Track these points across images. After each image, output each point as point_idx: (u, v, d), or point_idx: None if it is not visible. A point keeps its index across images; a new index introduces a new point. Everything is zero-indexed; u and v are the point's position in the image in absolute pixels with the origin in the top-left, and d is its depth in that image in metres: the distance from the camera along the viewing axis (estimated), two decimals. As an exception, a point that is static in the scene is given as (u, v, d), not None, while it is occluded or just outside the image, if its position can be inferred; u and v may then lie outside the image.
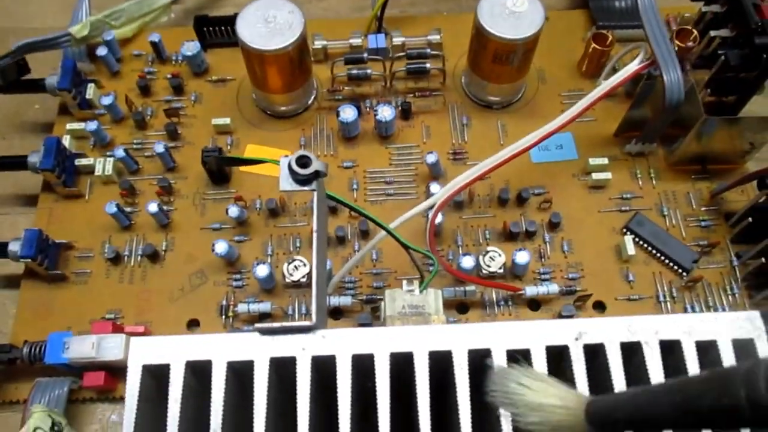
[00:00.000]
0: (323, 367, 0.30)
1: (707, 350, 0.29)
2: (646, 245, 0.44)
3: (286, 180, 0.32)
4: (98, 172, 0.47)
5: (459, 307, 0.43)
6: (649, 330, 0.29)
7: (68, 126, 0.49)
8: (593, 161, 0.46)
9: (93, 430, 0.41)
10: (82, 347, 0.39)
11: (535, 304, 0.43)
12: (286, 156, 0.32)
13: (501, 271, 0.43)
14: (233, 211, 0.44)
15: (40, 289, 0.44)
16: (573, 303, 0.42)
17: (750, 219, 0.43)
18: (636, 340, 0.29)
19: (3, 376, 0.42)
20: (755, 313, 0.29)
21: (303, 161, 0.31)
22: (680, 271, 0.43)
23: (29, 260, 0.42)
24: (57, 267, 0.44)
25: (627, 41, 0.51)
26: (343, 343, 0.29)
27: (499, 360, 0.29)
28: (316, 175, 0.32)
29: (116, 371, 0.41)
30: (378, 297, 0.42)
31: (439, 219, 0.43)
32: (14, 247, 0.42)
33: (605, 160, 0.46)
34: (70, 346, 0.39)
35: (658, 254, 0.44)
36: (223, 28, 0.51)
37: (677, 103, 0.41)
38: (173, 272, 0.44)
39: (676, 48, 0.43)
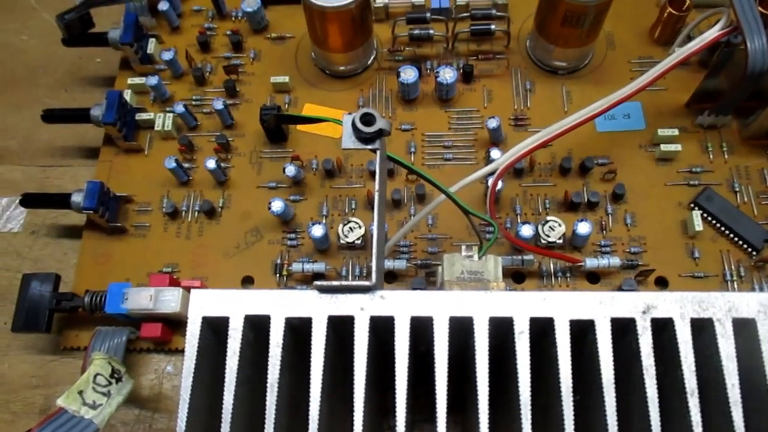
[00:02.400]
0: (381, 328, 0.30)
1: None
2: (714, 221, 0.42)
3: (349, 138, 0.31)
4: (158, 127, 0.47)
5: (515, 276, 0.42)
6: (722, 307, 0.28)
7: (129, 80, 0.49)
8: (662, 132, 0.44)
9: (149, 379, 0.42)
10: (140, 299, 0.40)
11: (594, 277, 0.42)
12: (350, 113, 0.31)
13: (560, 241, 0.42)
14: (290, 170, 0.44)
15: (100, 240, 0.45)
16: (634, 277, 0.41)
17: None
18: (707, 316, 0.28)
19: (65, 323, 0.43)
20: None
21: (367, 119, 0.31)
22: (750, 249, 0.42)
23: (91, 212, 0.43)
24: (117, 219, 0.45)
25: (705, 6, 0.48)
26: (402, 304, 0.29)
27: (562, 330, 0.28)
28: (380, 133, 0.31)
29: (173, 324, 0.42)
30: (433, 262, 0.42)
31: (498, 186, 0.42)
32: (77, 198, 0.43)
33: (675, 132, 0.44)
34: (129, 297, 0.40)
35: (727, 231, 0.42)
36: (284, -17, 0.51)
37: (760, 72, 0.39)
38: (229, 229, 0.45)
39: (762, 14, 0.40)
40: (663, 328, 0.29)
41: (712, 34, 0.41)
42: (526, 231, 0.40)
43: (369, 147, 0.31)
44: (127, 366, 0.41)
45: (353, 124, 0.31)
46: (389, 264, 0.41)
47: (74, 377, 0.43)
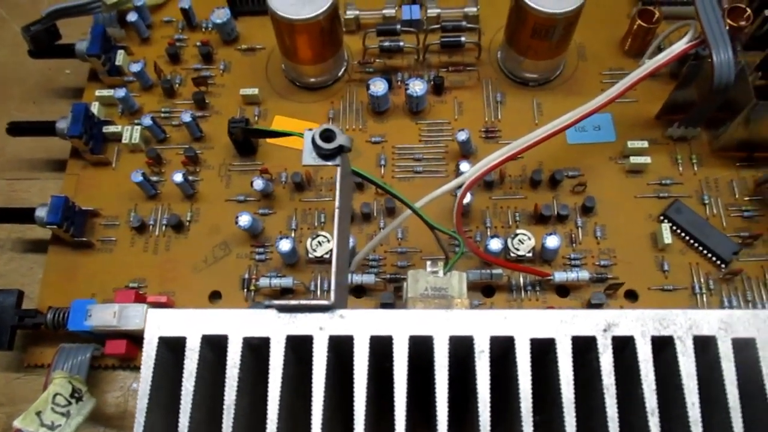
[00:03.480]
0: (341, 348, 0.29)
1: (743, 348, 0.28)
2: (683, 234, 0.42)
3: (310, 154, 0.31)
4: (125, 139, 0.47)
5: (485, 290, 0.42)
6: (683, 325, 0.28)
7: (97, 93, 0.49)
8: (632, 144, 0.44)
9: (115, 396, 0.41)
10: (104, 316, 0.39)
11: (563, 291, 0.42)
12: (310, 129, 0.31)
13: (530, 255, 0.41)
14: (258, 183, 0.44)
15: (66, 255, 0.44)
16: (604, 291, 0.41)
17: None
18: (668, 334, 0.28)
19: (29, 339, 0.42)
20: (799, 312, 0.28)
21: (327, 135, 0.30)
22: (719, 262, 0.42)
23: (55, 227, 0.42)
24: (83, 234, 0.44)
25: (674, 18, 0.48)
26: (361, 323, 0.29)
27: (522, 349, 0.28)
28: (340, 149, 0.31)
29: (138, 340, 0.41)
30: (402, 276, 0.42)
31: (468, 199, 0.42)
32: (41, 213, 0.42)
33: (645, 144, 0.44)
34: (92, 314, 0.39)
35: (696, 244, 0.42)
36: (253, -5, 0.50)
37: (726, 85, 0.39)
38: (197, 243, 0.44)
39: (728, 27, 0.40)
40: (624, 346, 0.28)
41: (680, 46, 0.41)
42: (495, 245, 0.40)
43: (330, 163, 0.31)
44: (92, 383, 0.41)
45: (313, 141, 0.30)
46: (358, 278, 0.41)
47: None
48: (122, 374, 0.42)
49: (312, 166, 0.31)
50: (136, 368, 0.42)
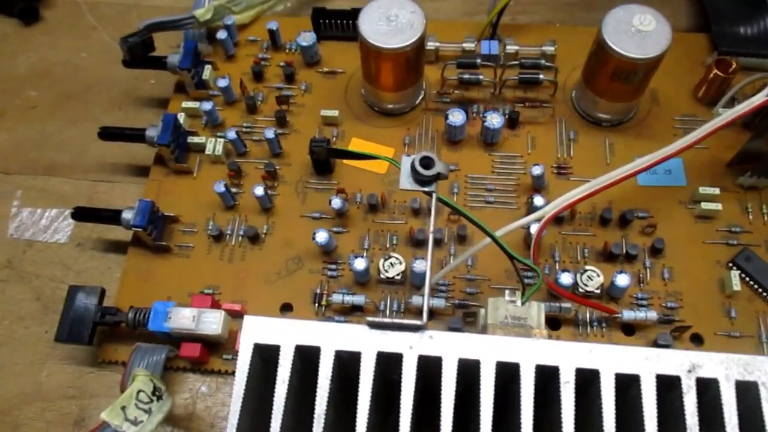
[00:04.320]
0: (425, 368, 0.30)
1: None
2: (752, 282, 0.43)
3: (407, 179, 0.32)
4: (209, 151, 0.48)
5: (551, 323, 0.42)
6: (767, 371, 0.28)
7: (184, 104, 0.51)
8: (703, 190, 0.45)
9: (183, 398, 0.43)
10: (183, 318, 0.40)
11: (629, 329, 0.42)
12: (409, 155, 0.32)
13: (598, 291, 0.42)
14: (336, 202, 0.45)
15: (144, 258, 0.46)
16: (670, 332, 0.41)
17: None
18: (753, 379, 0.28)
19: (103, 336, 0.44)
20: None
21: (426, 162, 0.32)
22: (787, 312, 0.42)
23: (140, 229, 0.44)
24: (163, 238, 0.46)
25: (751, 70, 0.49)
26: (450, 345, 0.30)
27: (607, 383, 0.29)
28: (437, 177, 0.32)
29: (210, 345, 0.43)
30: (471, 303, 0.43)
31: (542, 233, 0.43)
32: (128, 215, 0.44)
33: (716, 190, 0.45)
34: (172, 316, 0.41)
35: (765, 293, 0.42)
36: (339, 21, 0.52)
37: (803, 139, 0.40)
38: (271, 255, 0.46)
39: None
40: (706, 388, 0.29)
41: (759, 99, 0.41)
42: (566, 279, 0.41)
43: (426, 189, 0.32)
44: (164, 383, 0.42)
45: (412, 166, 0.32)
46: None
47: (110, 390, 0.43)
48: (192, 377, 0.43)
49: (407, 190, 0.32)
50: (206, 372, 0.43)
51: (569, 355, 0.29)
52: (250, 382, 0.30)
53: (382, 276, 0.43)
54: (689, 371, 0.29)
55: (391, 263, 0.44)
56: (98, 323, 0.42)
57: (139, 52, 0.50)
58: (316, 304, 0.44)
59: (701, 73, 0.49)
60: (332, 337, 0.30)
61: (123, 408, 0.35)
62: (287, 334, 0.30)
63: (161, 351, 0.41)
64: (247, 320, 0.31)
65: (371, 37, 0.44)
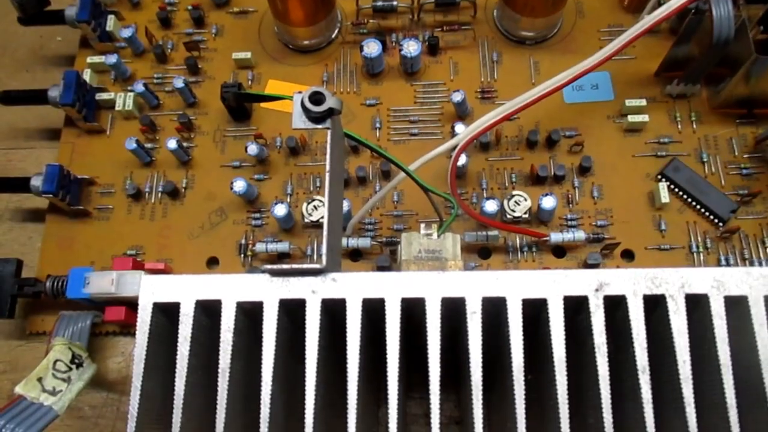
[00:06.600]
0: (334, 311, 0.29)
1: (735, 306, 0.28)
2: (681, 193, 0.42)
3: (300, 117, 0.31)
4: (119, 107, 0.46)
5: (481, 252, 0.42)
6: (675, 283, 0.28)
7: (89, 59, 0.48)
8: (630, 102, 0.44)
9: (117, 362, 0.42)
10: (102, 283, 0.39)
11: (560, 251, 0.42)
12: (300, 92, 0.30)
13: (526, 216, 0.41)
14: (252, 149, 0.43)
15: (63, 224, 0.44)
16: (600, 251, 0.41)
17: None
18: (660, 293, 0.28)
19: (30, 308, 0.43)
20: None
21: (316, 98, 0.30)
22: (716, 221, 0.41)
23: (51, 195, 0.42)
24: (79, 202, 0.44)
25: (674, -28, 0.47)
26: (354, 286, 0.29)
27: (514, 308, 0.28)
28: (330, 112, 0.30)
29: (137, 306, 0.41)
30: (397, 240, 0.42)
31: (463, 160, 0.41)
32: (36, 182, 0.42)
33: (643, 102, 0.44)
34: (90, 281, 0.39)
35: (694, 203, 0.42)
36: (244, -44, 0.49)
37: (726, 40, 0.38)
38: (193, 210, 0.44)
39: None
40: (617, 306, 0.28)
41: (679, 0, 0.40)
42: (490, 206, 0.40)
43: (320, 126, 0.30)
44: (94, 350, 0.41)
45: (302, 104, 0.30)
46: (354, 242, 0.41)
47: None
48: (123, 340, 0.43)
49: (301, 130, 0.31)
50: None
51: (475, 285, 0.28)
52: (153, 342, 0.29)
53: (306, 220, 0.42)
54: (596, 290, 0.28)
55: (314, 206, 0.42)
56: (17, 295, 0.41)
57: (32, 7, 0.47)
58: (242, 255, 0.43)
59: (626, -20, 0.47)
60: (233, 289, 0.29)
61: (39, 379, 0.34)
62: (187, 290, 0.29)
63: (86, 317, 0.40)
64: (145, 280, 0.30)
65: (270, -31, 0.41)
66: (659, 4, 0.45)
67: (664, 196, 0.41)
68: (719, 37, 0.38)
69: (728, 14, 0.38)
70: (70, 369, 0.36)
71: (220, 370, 0.28)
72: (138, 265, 0.41)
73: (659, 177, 0.43)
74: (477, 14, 0.48)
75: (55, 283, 0.40)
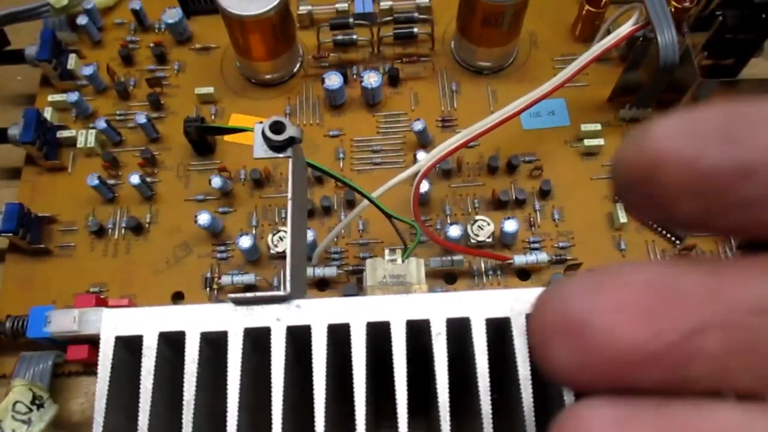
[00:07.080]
0: (301, 338, 0.29)
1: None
2: (638, 213, 0.43)
3: (261, 147, 0.31)
4: (80, 144, 0.46)
5: (447, 277, 0.42)
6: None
7: (50, 98, 0.48)
8: (585, 127, 0.45)
9: (80, 403, 0.41)
10: (63, 321, 0.38)
11: (524, 274, 0.42)
12: (260, 122, 0.31)
13: (490, 240, 0.42)
14: (216, 181, 0.43)
15: (24, 263, 0.44)
16: (563, 272, 0.41)
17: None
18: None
19: (-10, 350, 0.42)
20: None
21: (277, 127, 0.31)
22: (674, 239, 0.42)
23: (11, 234, 0.41)
24: (40, 241, 0.44)
25: (622, 2, 0.49)
26: (318, 312, 0.29)
27: (478, 328, 0.28)
28: (291, 141, 0.31)
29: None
30: (363, 268, 0.42)
31: (426, 188, 0.42)
32: (-5, 221, 0.41)
33: (598, 126, 0.45)
34: (51, 320, 0.38)
35: (649, 221, 0.43)
36: (204, -7, 0.50)
37: (671, 65, 0.40)
38: (157, 245, 0.44)
39: (672, 9, 0.41)
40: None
41: (626, 29, 0.42)
42: (454, 231, 0.41)
43: (281, 155, 0.31)
44: (56, 390, 0.40)
45: (263, 133, 0.30)
46: (320, 271, 0.41)
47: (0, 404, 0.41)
48: (86, 380, 0.42)
49: (265, 159, 0.31)
50: (101, 373, 0.41)
51: (439, 306, 0.29)
52: (115, 377, 0.29)
53: (272, 252, 0.42)
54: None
55: (280, 237, 0.43)
56: (-25, 337, 0.40)
57: (-9, 47, 0.47)
58: (208, 289, 0.42)
59: (576, 10, 0.49)
60: (197, 320, 0.29)
61: (-2, 422, 0.33)
62: (150, 322, 0.29)
63: (47, 357, 0.39)
64: (106, 314, 0.29)
65: (230, 6, 0.42)
66: (609, 33, 0.47)
67: (622, 217, 0.42)
68: (665, 63, 0.40)
69: (672, 41, 0.40)
70: (31, 410, 0.35)
71: (185, 402, 0.28)
72: (101, 302, 0.41)
73: (616, 198, 0.44)
74: (435, 46, 0.49)
75: (15, 323, 0.39)
